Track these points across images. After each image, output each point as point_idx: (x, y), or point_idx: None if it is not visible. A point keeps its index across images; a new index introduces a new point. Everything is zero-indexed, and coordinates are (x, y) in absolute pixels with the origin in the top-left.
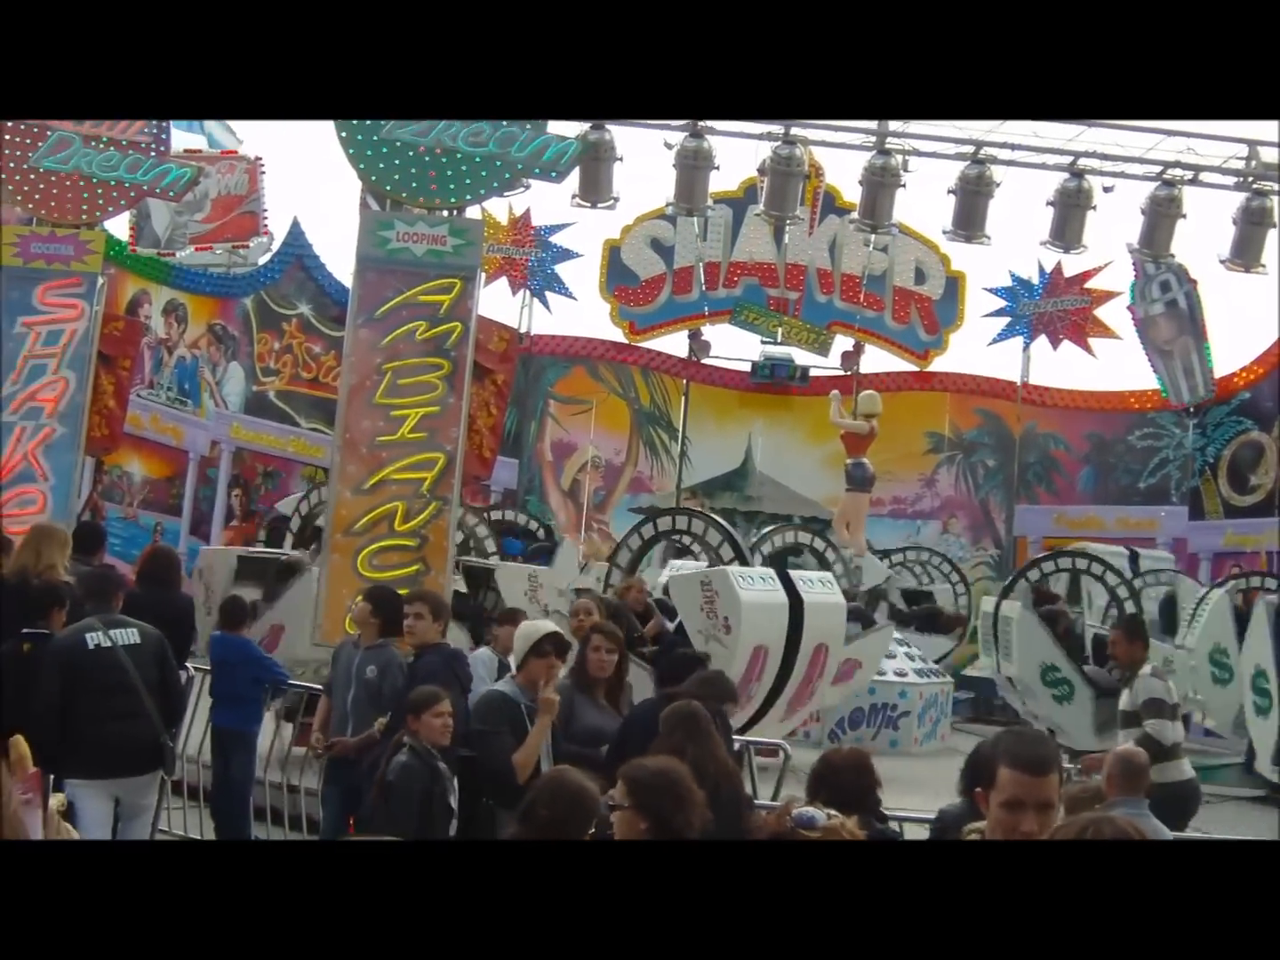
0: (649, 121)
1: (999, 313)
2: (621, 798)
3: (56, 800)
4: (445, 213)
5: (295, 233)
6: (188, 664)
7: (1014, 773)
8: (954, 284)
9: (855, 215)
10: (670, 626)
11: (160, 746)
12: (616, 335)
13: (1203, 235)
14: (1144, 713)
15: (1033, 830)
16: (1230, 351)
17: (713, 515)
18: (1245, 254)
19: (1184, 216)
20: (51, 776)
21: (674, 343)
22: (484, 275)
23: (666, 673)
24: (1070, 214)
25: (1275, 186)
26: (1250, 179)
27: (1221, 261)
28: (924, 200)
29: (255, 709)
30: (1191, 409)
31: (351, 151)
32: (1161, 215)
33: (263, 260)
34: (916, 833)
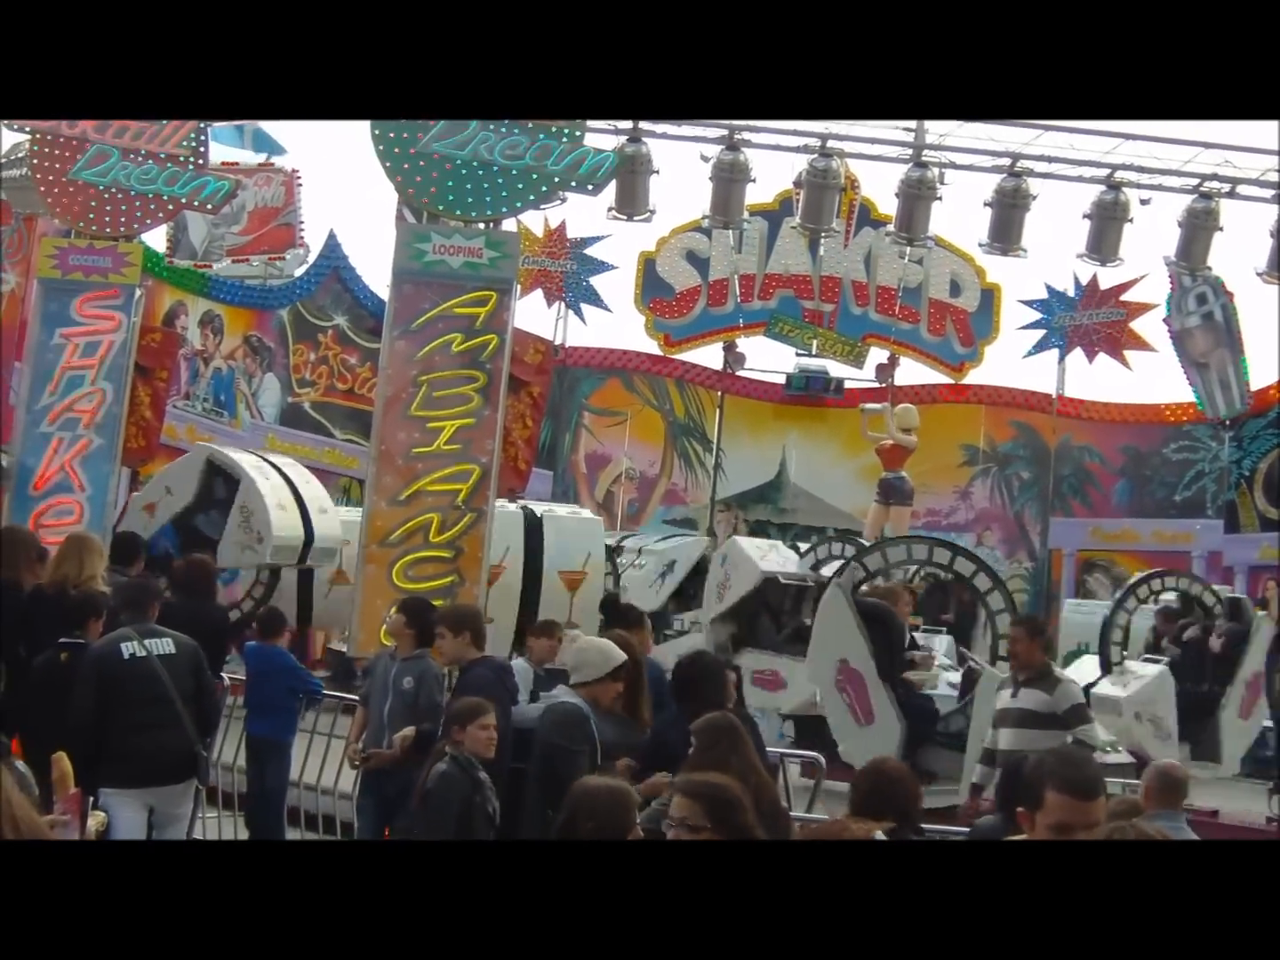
0: (685, 134)
1: (1034, 325)
2: (694, 816)
3: (96, 820)
4: (481, 225)
5: (332, 244)
6: (222, 673)
7: (1064, 797)
8: (989, 296)
9: (891, 228)
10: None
11: (195, 756)
12: (651, 347)
13: (1240, 248)
14: (1072, 718)
15: None
16: (1266, 364)
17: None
18: None
19: (1221, 229)
20: (91, 798)
21: (709, 355)
22: (519, 287)
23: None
24: (1107, 226)
25: None
26: None
27: (1258, 274)
28: (960, 213)
29: (290, 718)
30: (1227, 422)
31: (388, 164)
32: (1199, 228)
33: (299, 272)
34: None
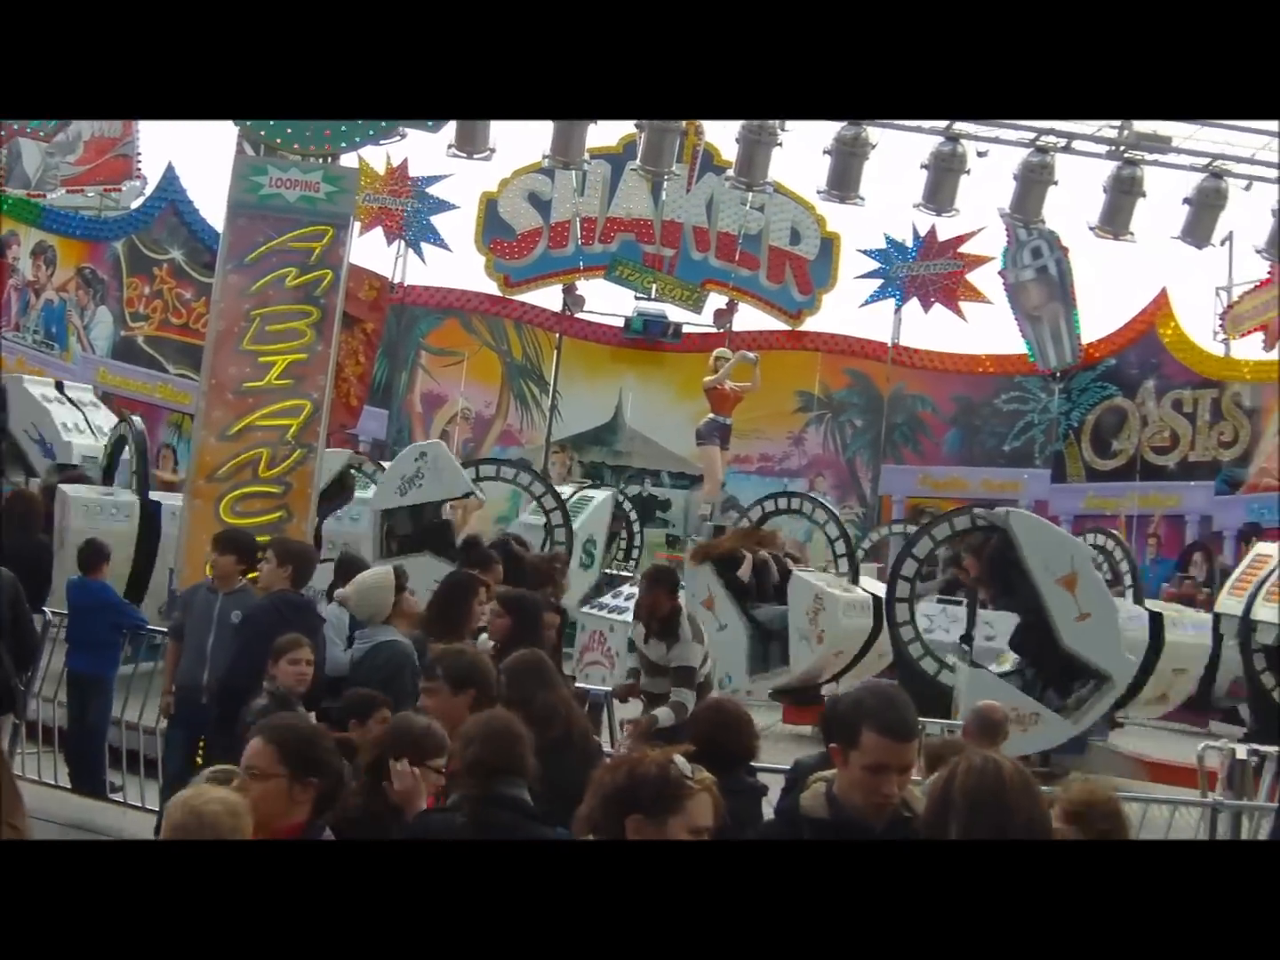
0: None
1: (872, 274)
2: (265, 762)
3: None
4: (320, 160)
5: (170, 177)
6: (44, 608)
7: (881, 738)
8: (829, 245)
9: (731, 173)
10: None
11: (10, 689)
12: (490, 288)
13: (1075, 203)
14: (675, 677)
15: (893, 793)
16: (1097, 319)
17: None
18: (1114, 222)
19: (1055, 183)
20: None
21: (548, 296)
22: (359, 224)
23: None
24: (944, 178)
25: (1146, 156)
26: (1121, 148)
27: (1091, 229)
28: (801, 161)
29: (113, 654)
30: (1058, 374)
31: None
32: (1033, 181)
33: (135, 204)
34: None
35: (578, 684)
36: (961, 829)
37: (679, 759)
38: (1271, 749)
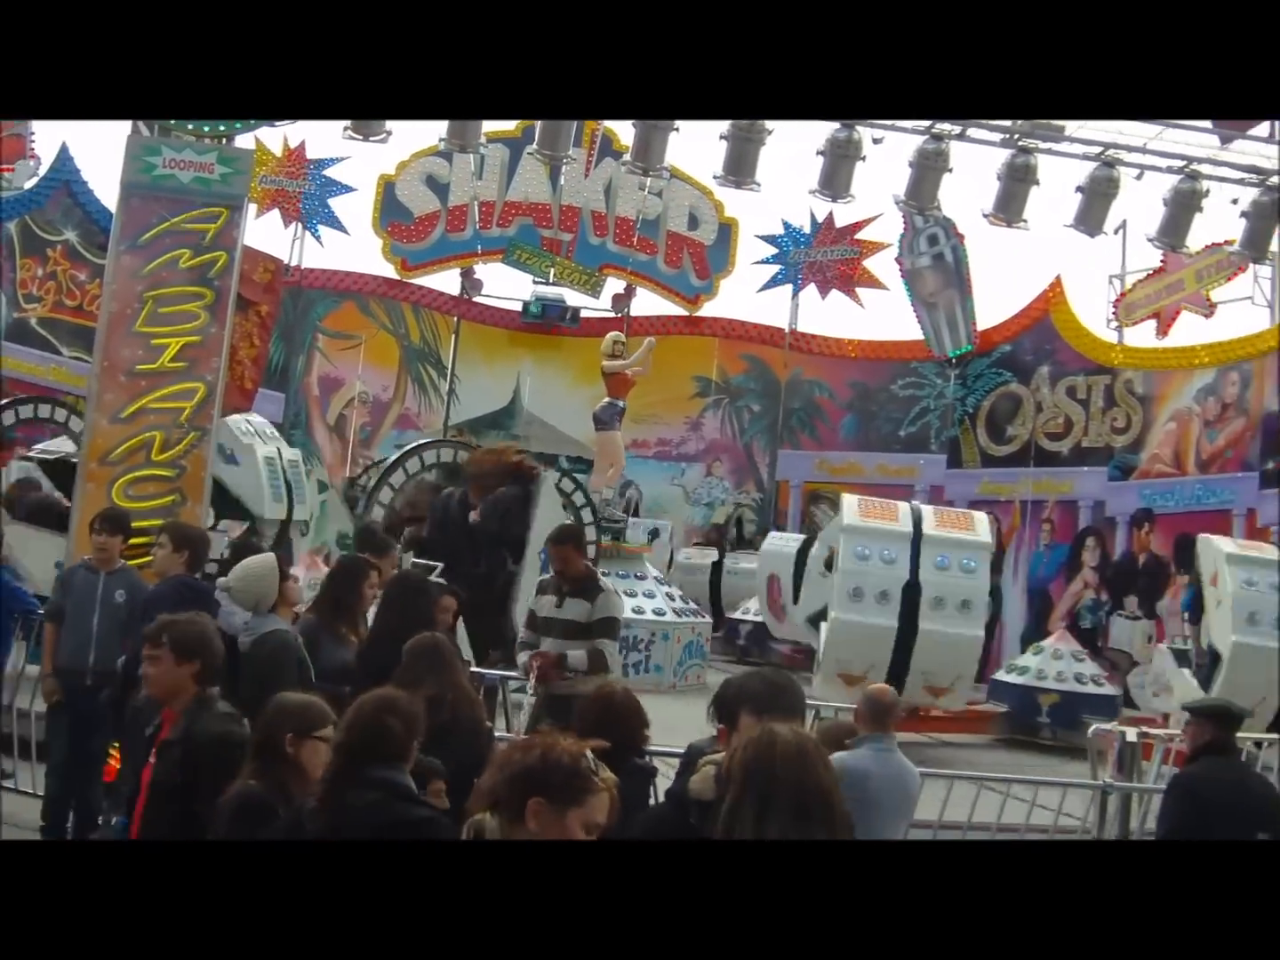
0: None
1: (770, 260)
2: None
3: None
4: (214, 141)
5: (64, 157)
6: None
7: (757, 721)
8: (726, 230)
9: (628, 157)
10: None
11: None
12: (388, 271)
13: (970, 190)
14: (596, 628)
15: None
16: (992, 305)
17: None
18: (1008, 209)
19: (950, 170)
20: None
21: (446, 280)
22: (256, 207)
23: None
24: (839, 164)
25: (1039, 144)
26: (1015, 136)
27: (985, 216)
28: (699, 146)
29: (4, 640)
30: (953, 360)
31: None
32: (928, 168)
33: (29, 184)
34: (667, 766)
35: (474, 668)
36: (734, 796)
37: (590, 754)
38: (1159, 731)
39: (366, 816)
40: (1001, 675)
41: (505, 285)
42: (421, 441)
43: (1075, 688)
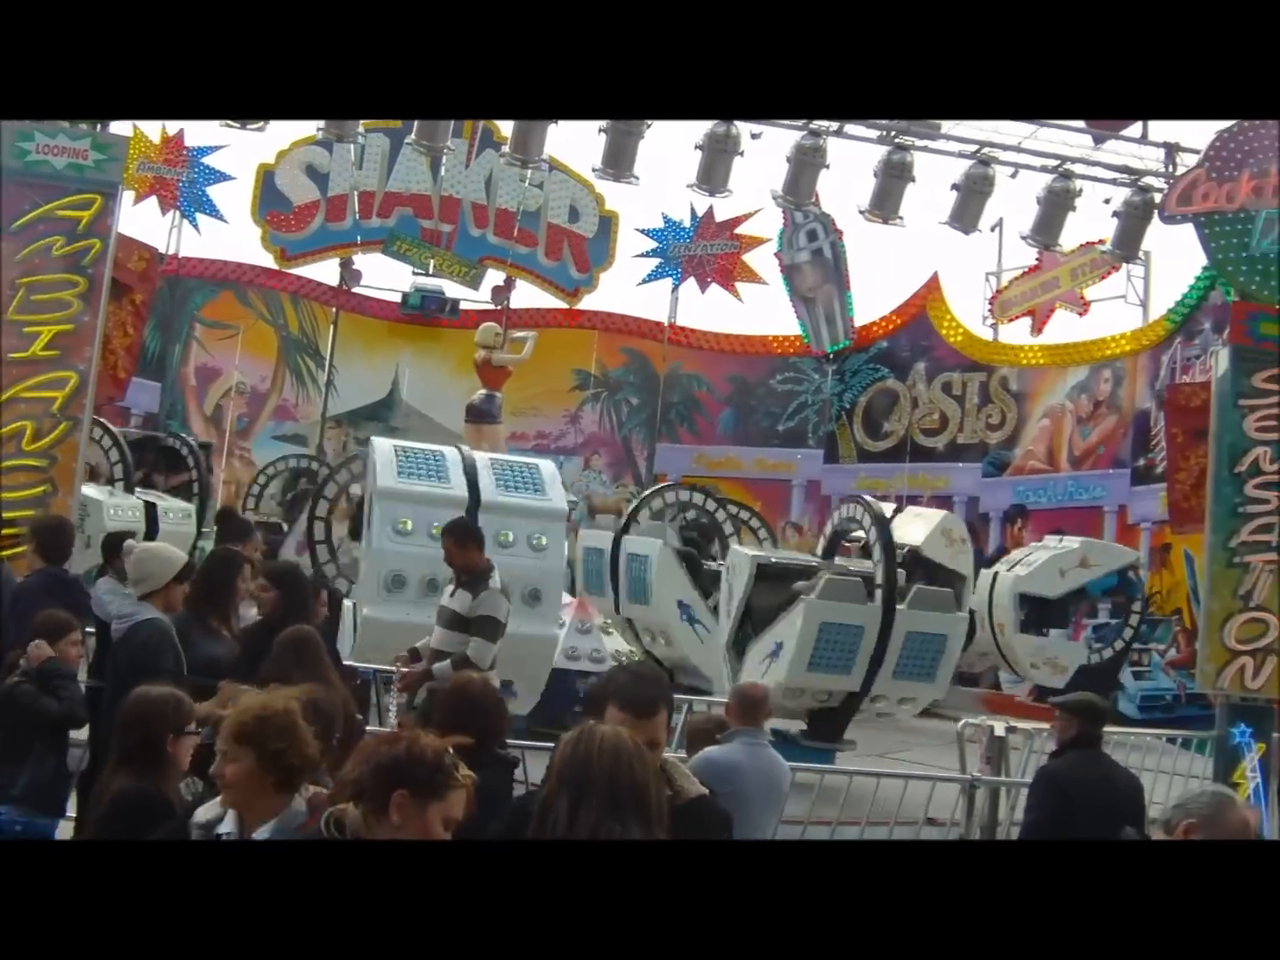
0: None
1: (650, 254)
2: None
3: None
4: (89, 126)
5: None
6: None
7: (622, 713)
8: (607, 223)
9: (507, 149)
10: None
11: None
12: (267, 260)
13: (848, 186)
14: (476, 629)
15: None
16: (870, 301)
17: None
18: (884, 206)
19: (827, 166)
20: None
21: (325, 270)
22: (133, 194)
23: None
24: (717, 159)
25: (915, 141)
26: (892, 133)
27: (861, 212)
28: (579, 139)
29: None
30: (831, 355)
31: None
32: (805, 164)
33: None
34: (539, 757)
35: (346, 660)
36: (550, 789)
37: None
38: (1028, 725)
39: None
40: None
41: (384, 276)
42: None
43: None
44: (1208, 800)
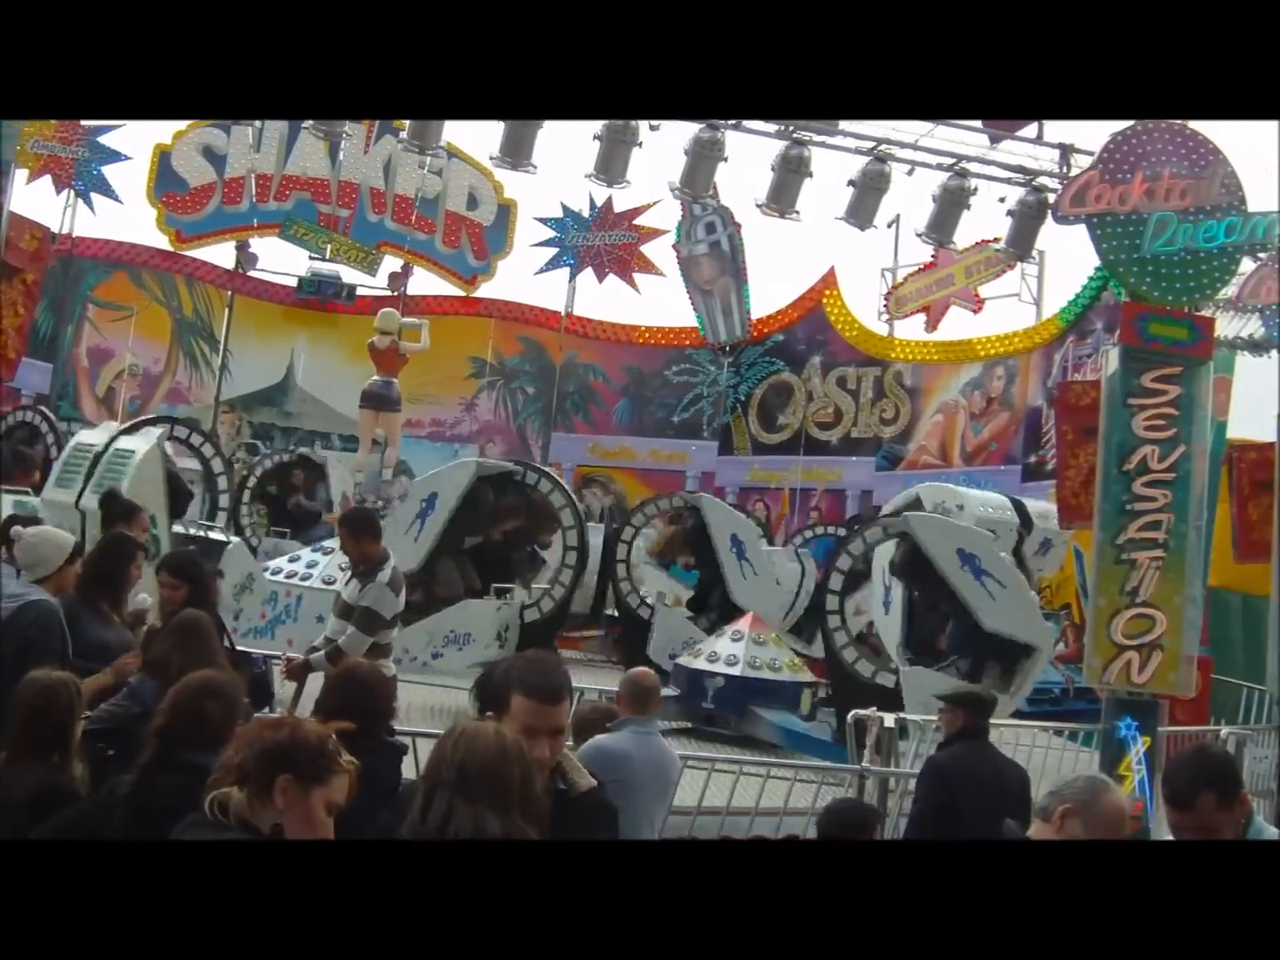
0: None
1: (548, 243)
2: None
3: None
4: None
5: None
6: None
7: (529, 701)
8: (505, 212)
9: (405, 134)
10: None
11: None
12: (162, 242)
13: (747, 180)
14: (355, 619)
15: (544, 755)
16: (767, 295)
17: None
18: (781, 199)
19: (725, 159)
20: None
21: (220, 253)
22: (26, 172)
23: None
24: (615, 149)
25: (813, 136)
26: (789, 127)
27: (758, 205)
28: (479, 126)
29: None
30: (727, 348)
31: None
32: (703, 156)
33: None
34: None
35: (239, 648)
36: (428, 785)
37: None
38: (916, 717)
39: (172, 800)
40: (682, 659)
41: (281, 260)
42: None
43: (747, 672)
44: (1083, 786)
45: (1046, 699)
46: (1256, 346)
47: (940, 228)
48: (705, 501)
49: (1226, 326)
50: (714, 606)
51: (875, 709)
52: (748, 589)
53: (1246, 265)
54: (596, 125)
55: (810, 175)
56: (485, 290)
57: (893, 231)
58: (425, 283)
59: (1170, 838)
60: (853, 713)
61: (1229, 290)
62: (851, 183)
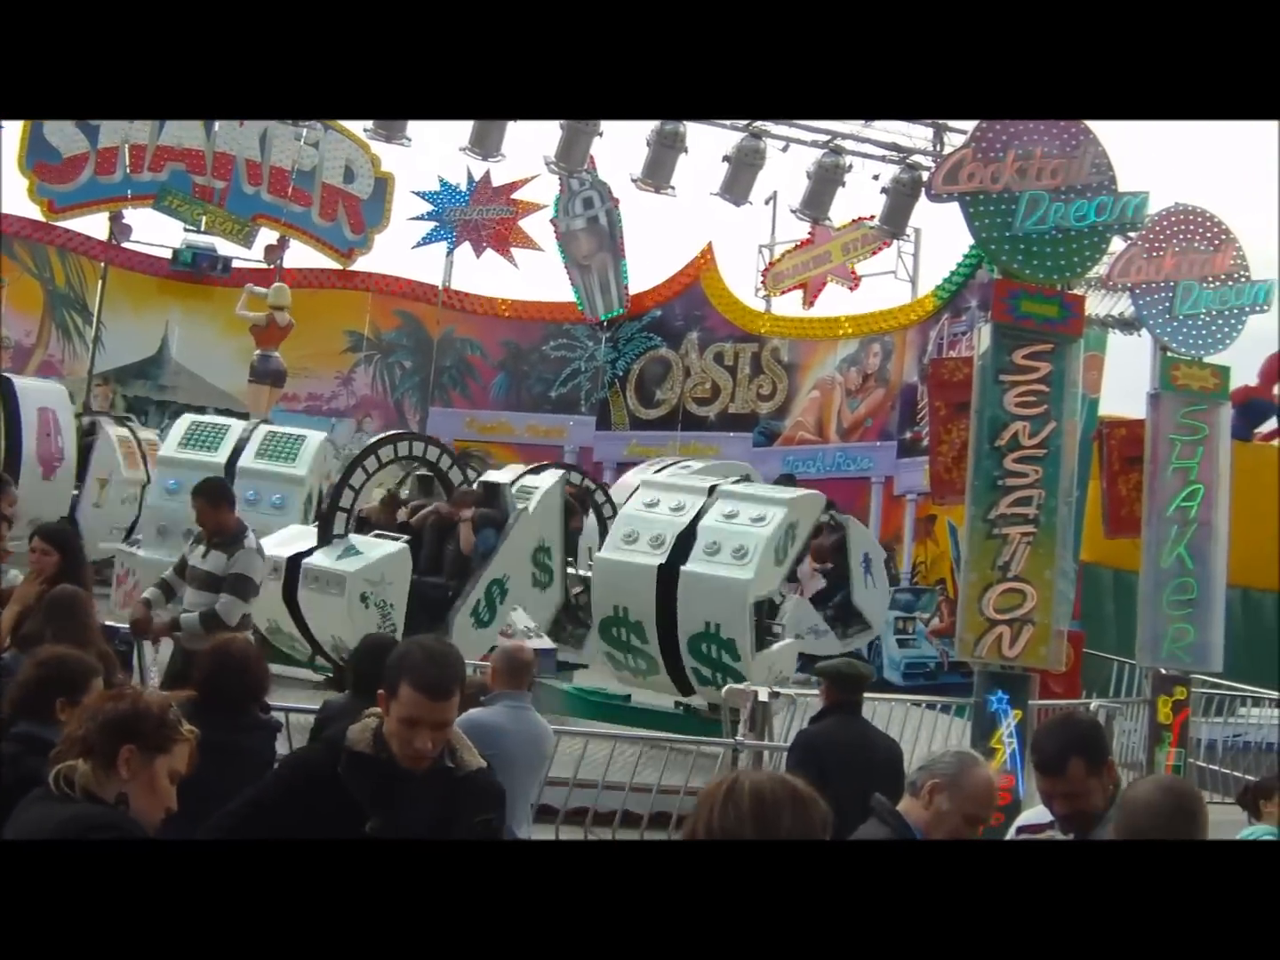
0: None
1: (425, 216)
2: None
3: None
4: None
5: None
6: None
7: (415, 693)
8: (382, 185)
9: None
10: None
11: None
12: (33, 212)
13: (623, 155)
14: (228, 586)
15: (425, 748)
16: (645, 270)
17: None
18: (656, 175)
19: (600, 135)
20: None
21: (94, 224)
22: None
23: None
24: (490, 124)
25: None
26: None
27: (634, 181)
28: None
29: None
30: (604, 323)
31: None
32: (578, 131)
33: None
34: (301, 721)
35: (109, 622)
36: None
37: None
38: (790, 691)
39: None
40: None
41: (155, 232)
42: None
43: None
44: (951, 760)
45: (922, 673)
46: (1127, 325)
47: (815, 204)
48: (851, 523)
49: (1098, 305)
50: (833, 605)
51: (748, 684)
52: (866, 596)
53: (1117, 245)
54: None
55: (685, 151)
56: (362, 264)
57: (770, 208)
58: (302, 255)
59: (1040, 805)
60: (727, 687)
61: (1100, 269)
62: (726, 159)
